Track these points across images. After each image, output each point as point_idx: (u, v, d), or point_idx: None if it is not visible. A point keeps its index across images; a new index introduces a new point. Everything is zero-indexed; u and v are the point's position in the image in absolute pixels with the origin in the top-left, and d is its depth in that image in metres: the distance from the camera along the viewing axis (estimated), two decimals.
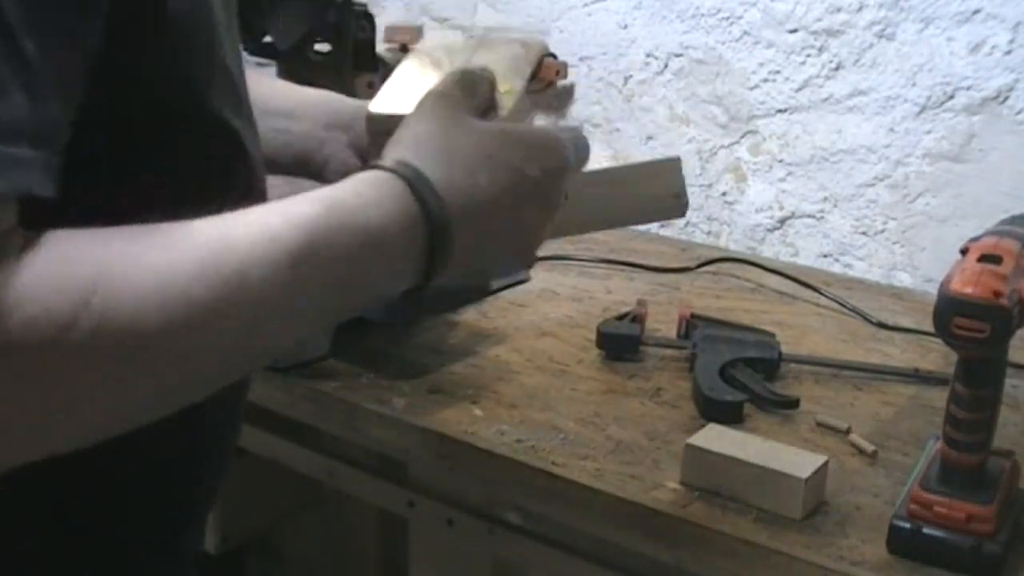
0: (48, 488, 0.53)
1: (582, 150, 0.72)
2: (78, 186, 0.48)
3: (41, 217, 0.47)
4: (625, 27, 1.56)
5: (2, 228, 0.45)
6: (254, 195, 0.66)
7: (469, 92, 0.68)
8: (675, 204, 0.87)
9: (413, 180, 0.59)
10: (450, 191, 0.60)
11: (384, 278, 0.60)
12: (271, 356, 0.57)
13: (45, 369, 0.45)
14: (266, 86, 0.85)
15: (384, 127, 0.68)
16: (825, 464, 0.81)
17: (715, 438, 0.84)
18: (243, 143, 0.64)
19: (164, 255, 0.48)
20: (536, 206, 0.66)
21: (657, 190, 0.87)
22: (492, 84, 0.71)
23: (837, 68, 1.39)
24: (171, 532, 0.69)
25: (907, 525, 0.74)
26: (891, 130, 1.37)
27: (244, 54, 0.75)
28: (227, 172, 0.63)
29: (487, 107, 0.70)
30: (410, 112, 0.67)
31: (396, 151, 0.62)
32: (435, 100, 0.66)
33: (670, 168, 0.87)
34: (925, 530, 0.74)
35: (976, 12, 1.28)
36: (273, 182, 0.71)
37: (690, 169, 1.54)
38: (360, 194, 0.58)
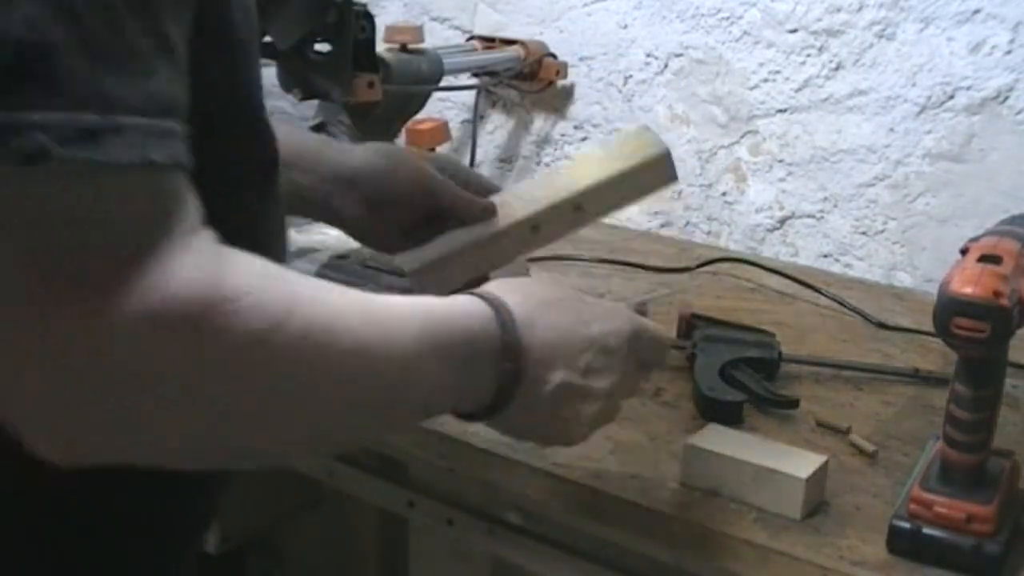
0: (49, 489, 0.53)
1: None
2: None
3: None
4: (625, 27, 1.56)
5: (183, 194, 0.47)
6: (271, 186, 0.69)
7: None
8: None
9: (505, 320, 0.63)
10: (532, 337, 0.64)
11: (466, 388, 0.62)
12: (389, 429, 0.66)
13: (249, 360, 0.47)
14: None
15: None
16: (825, 464, 0.81)
17: (715, 438, 0.84)
18: (275, 141, 0.66)
19: (330, 297, 0.53)
20: (593, 403, 0.69)
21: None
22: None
23: (837, 68, 1.39)
24: (175, 534, 0.69)
25: (907, 525, 0.74)
26: (891, 130, 1.37)
27: None
28: (263, 169, 0.66)
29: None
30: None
31: (494, 288, 0.66)
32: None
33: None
34: (925, 530, 0.74)
35: (976, 12, 1.28)
36: None
37: (690, 169, 1.54)
38: (455, 304, 0.62)
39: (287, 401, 0.51)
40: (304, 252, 1.23)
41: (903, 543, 0.75)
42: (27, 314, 0.43)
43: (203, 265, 0.46)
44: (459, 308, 0.62)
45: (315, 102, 1.46)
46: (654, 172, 0.95)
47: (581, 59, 1.60)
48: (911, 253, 1.39)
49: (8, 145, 0.40)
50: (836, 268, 1.44)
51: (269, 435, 0.52)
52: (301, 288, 0.51)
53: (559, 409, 0.67)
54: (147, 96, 0.45)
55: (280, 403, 0.50)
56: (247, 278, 0.47)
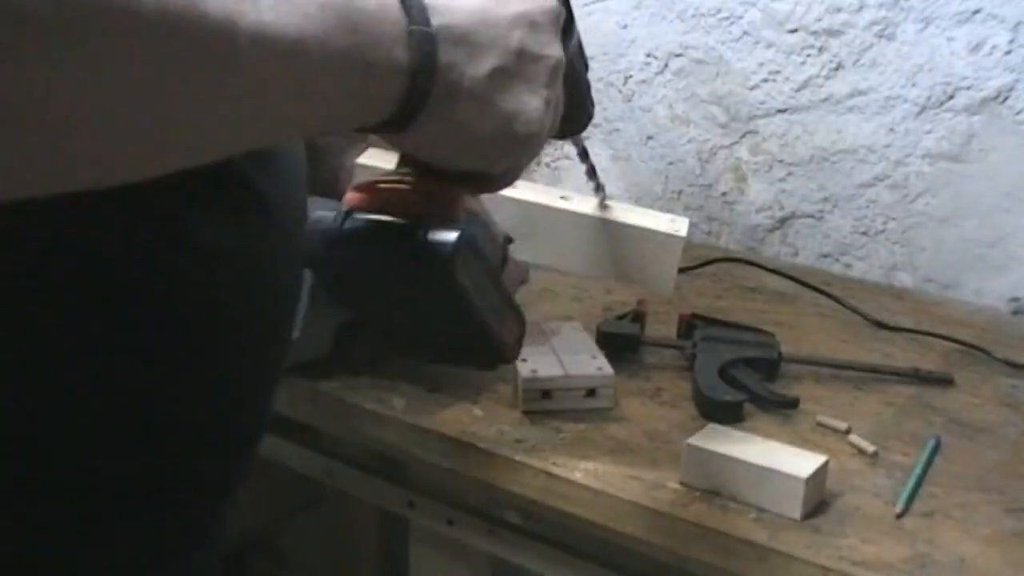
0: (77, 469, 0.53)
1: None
2: None
3: None
4: (625, 27, 1.56)
5: None
6: None
7: None
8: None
9: None
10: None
11: (364, 65, 0.47)
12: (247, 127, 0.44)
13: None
14: None
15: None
16: (825, 464, 0.81)
17: (715, 438, 0.84)
18: None
19: None
20: (536, 92, 0.56)
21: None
22: None
23: (837, 68, 1.39)
24: (200, 517, 0.66)
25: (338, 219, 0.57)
26: (891, 130, 1.37)
27: None
28: None
29: None
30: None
31: None
32: None
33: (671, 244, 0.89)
34: (357, 216, 0.56)
35: (976, 12, 1.28)
36: None
37: (690, 169, 1.54)
38: None
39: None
40: None
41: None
42: None
43: None
44: None
45: None
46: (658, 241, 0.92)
47: None
48: (911, 253, 1.39)
49: None
50: (836, 268, 1.44)
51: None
52: None
53: (498, 102, 0.54)
54: None
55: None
56: None
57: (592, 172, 0.88)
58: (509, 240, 0.65)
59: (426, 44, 0.49)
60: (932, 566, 0.74)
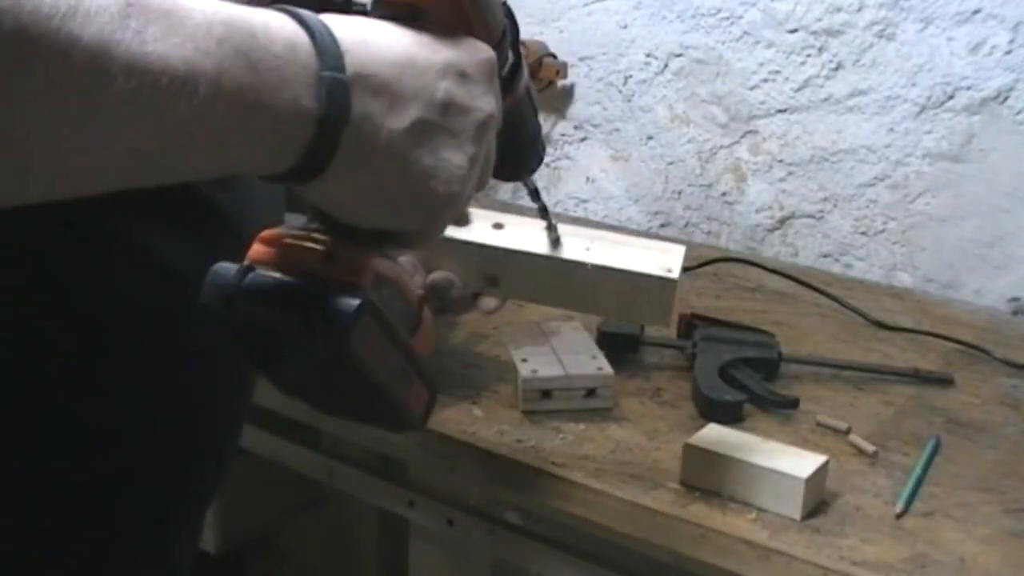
0: (33, 489, 0.53)
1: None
2: None
3: None
4: (625, 27, 1.56)
5: None
6: None
7: None
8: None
9: (313, 26, 0.47)
10: (358, 47, 0.48)
11: (248, 112, 0.43)
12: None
13: None
14: None
15: None
16: (825, 464, 0.81)
17: (715, 438, 0.84)
18: None
19: None
20: (462, 149, 0.53)
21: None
22: None
23: (837, 68, 1.39)
24: (163, 538, 0.66)
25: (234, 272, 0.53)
26: (891, 130, 1.37)
27: None
28: None
29: None
30: None
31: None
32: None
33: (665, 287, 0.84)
34: (260, 271, 0.53)
35: (976, 12, 1.28)
36: None
37: (690, 169, 1.54)
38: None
39: None
40: None
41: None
42: None
43: None
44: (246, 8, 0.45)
45: None
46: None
47: (581, 59, 1.60)
48: (911, 253, 1.39)
49: None
50: (836, 268, 1.44)
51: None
52: None
53: (417, 158, 0.50)
54: None
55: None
56: None
57: (544, 211, 0.84)
58: (425, 299, 0.62)
59: (337, 92, 0.46)
60: (932, 566, 0.74)
